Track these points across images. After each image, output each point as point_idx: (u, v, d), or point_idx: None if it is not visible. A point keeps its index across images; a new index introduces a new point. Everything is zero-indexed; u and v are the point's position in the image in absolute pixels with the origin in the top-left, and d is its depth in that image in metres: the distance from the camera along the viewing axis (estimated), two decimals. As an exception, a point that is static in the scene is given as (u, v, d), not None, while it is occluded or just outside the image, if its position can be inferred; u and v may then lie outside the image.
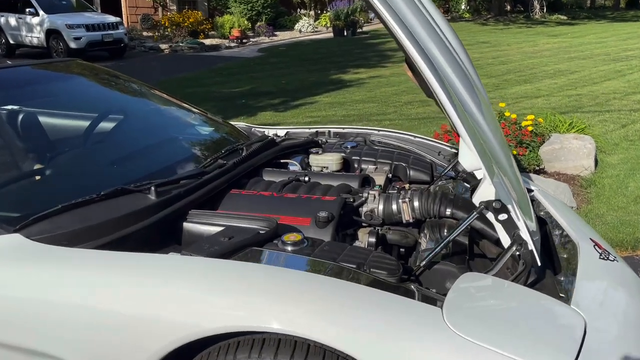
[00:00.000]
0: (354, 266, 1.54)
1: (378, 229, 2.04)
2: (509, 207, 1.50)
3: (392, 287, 1.45)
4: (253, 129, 2.99)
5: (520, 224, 1.51)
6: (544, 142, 4.99)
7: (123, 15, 18.98)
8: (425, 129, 6.66)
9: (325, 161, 2.57)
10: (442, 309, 1.30)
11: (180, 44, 16.65)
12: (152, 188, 1.85)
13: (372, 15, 24.25)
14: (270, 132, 3.02)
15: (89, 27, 14.54)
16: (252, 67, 12.92)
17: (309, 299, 1.31)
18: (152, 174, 2.03)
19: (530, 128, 4.93)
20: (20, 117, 2.25)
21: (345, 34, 19.55)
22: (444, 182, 2.45)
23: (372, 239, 1.94)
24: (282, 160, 2.59)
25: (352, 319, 1.26)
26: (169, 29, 18.31)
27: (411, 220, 2.05)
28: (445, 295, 1.40)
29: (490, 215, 1.61)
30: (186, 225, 1.84)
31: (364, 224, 2.09)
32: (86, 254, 1.52)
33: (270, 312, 1.28)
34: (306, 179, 2.32)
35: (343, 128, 3.04)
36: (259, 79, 11.04)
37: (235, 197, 2.06)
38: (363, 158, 2.65)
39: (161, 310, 1.33)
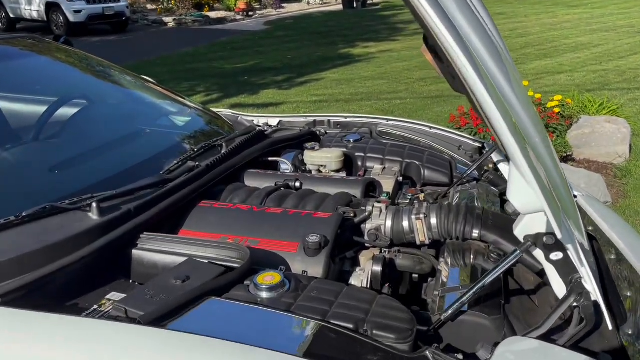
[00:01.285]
0: (351, 326, 1.12)
1: (385, 253, 1.62)
2: (569, 245, 1.06)
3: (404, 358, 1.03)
4: (240, 117, 2.54)
5: (584, 269, 1.07)
6: (571, 125, 4.50)
7: (126, -13, 18.39)
8: (439, 108, 6.17)
9: (323, 159, 2.13)
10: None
11: (185, 17, 16.08)
12: (94, 205, 1.43)
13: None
14: (260, 121, 2.58)
15: (90, 0, 14.02)
16: (257, 41, 12.38)
17: None
18: (99, 183, 1.60)
19: (557, 110, 4.44)
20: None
21: (355, 5, 18.86)
22: (466, 186, 2.00)
23: (377, 268, 1.52)
24: (270, 159, 2.15)
25: None
26: (172, 2, 17.71)
27: (427, 242, 1.62)
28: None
29: (538, 253, 1.17)
30: (136, 253, 1.42)
31: (367, 245, 1.66)
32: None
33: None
34: (297, 184, 1.89)
35: (345, 117, 2.58)
36: (264, 54, 10.53)
37: (204, 211, 1.64)
38: (368, 155, 2.20)
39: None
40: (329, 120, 2.57)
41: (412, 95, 6.93)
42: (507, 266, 1.17)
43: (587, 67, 8.19)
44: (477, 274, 1.45)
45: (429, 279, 1.72)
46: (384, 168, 2.07)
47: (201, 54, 10.80)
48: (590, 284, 1.08)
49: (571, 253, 1.08)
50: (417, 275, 1.69)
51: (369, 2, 19.65)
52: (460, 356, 1.14)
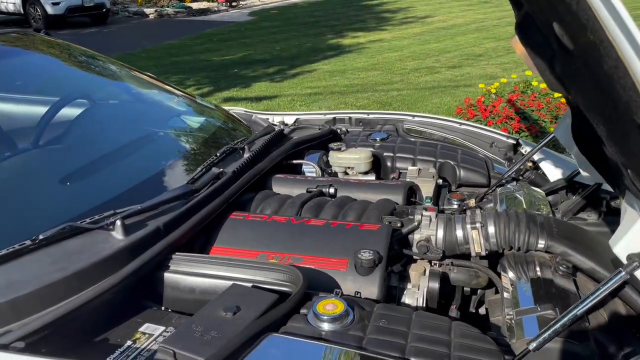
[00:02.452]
0: (438, 361, 0.97)
1: (436, 267, 1.47)
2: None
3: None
4: (254, 116, 2.37)
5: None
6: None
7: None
8: (438, 99, 6.04)
9: (350, 160, 1.98)
10: None
11: (167, 8, 15.72)
12: (118, 223, 1.26)
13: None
14: (275, 119, 2.41)
15: (68, -8, 13.60)
16: (244, 32, 12.12)
17: None
18: (117, 196, 1.43)
19: (564, 101, 4.31)
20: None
21: (340, -5, 18.62)
22: (508, 188, 1.86)
23: (435, 285, 1.37)
24: (295, 161, 1.99)
25: None
26: (153, -8, 17.31)
27: (483, 253, 1.48)
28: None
29: (638, 273, 1.03)
30: (168, 276, 1.26)
31: (415, 257, 1.51)
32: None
33: None
34: (331, 190, 1.73)
35: (367, 114, 2.42)
36: (252, 45, 10.29)
37: (237, 225, 1.48)
38: (398, 154, 2.06)
39: None
40: (350, 118, 2.41)
41: (408, 87, 6.79)
42: (608, 290, 1.03)
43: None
44: (542, 290, 1.31)
45: (478, 291, 1.58)
46: (420, 170, 1.92)
47: (187, 46, 10.53)
48: None
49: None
50: (469, 289, 1.55)
51: (353, -9, 19.41)
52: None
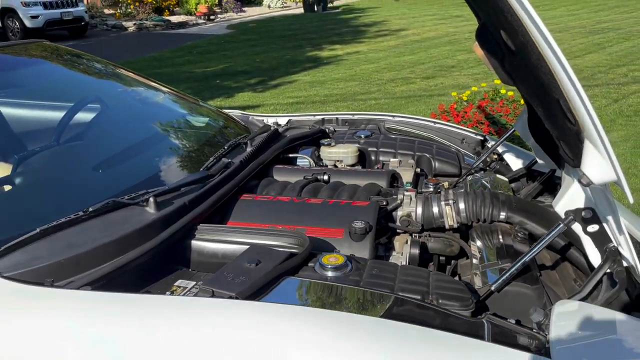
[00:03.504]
0: (419, 297, 1.24)
1: (417, 238, 1.74)
2: (609, 216, 1.21)
3: (471, 326, 1.15)
4: (250, 117, 2.63)
5: (622, 237, 1.22)
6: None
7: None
8: (414, 108, 6.37)
9: (339, 154, 2.25)
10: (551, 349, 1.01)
11: (146, 22, 15.89)
12: (151, 199, 1.51)
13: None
14: (269, 120, 2.67)
15: (47, 5, 13.70)
16: (223, 45, 12.37)
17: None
18: (143, 180, 1.67)
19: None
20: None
21: (315, 9, 19.04)
22: (476, 176, 2.15)
23: (415, 250, 1.64)
24: (291, 155, 2.25)
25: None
26: (131, 6, 17.47)
27: (455, 226, 1.76)
28: (535, 330, 1.13)
29: (576, 226, 1.32)
30: (195, 243, 1.51)
31: (399, 231, 1.78)
32: (80, 297, 1.18)
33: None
34: (325, 177, 2.00)
35: (353, 114, 2.70)
36: (232, 58, 10.55)
37: (248, 204, 1.73)
38: (381, 149, 2.33)
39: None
40: (337, 118, 2.69)
41: (385, 96, 7.12)
42: (550, 239, 1.32)
43: (547, 66, 8.57)
44: (504, 252, 1.59)
45: (452, 261, 1.86)
46: (400, 161, 2.20)
47: (167, 59, 10.73)
48: (629, 250, 1.23)
49: (611, 223, 1.23)
50: (444, 257, 1.83)
51: (329, 5, 19.86)
52: (512, 320, 1.27)
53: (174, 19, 16.91)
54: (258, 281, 1.22)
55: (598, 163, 0.96)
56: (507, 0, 0.84)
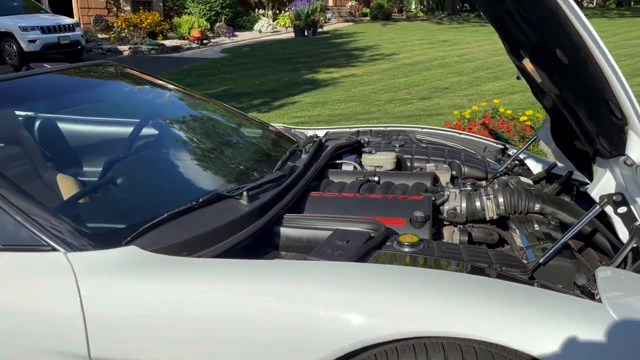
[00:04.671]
0: (486, 265, 1.51)
1: (466, 227, 2.02)
2: (637, 198, 1.51)
3: (530, 283, 1.43)
4: (293, 130, 2.91)
5: (647, 215, 1.51)
6: (542, 136, 5.09)
7: (74, 17, 18.26)
8: (415, 126, 6.69)
9: (379, 160, 2.54)
10: (604, 304, 1.29)
11: (141, 46, 16.17)
12: (245, 194, 1.77)
13: (329, 15, 24.33)
14: (308, 133, 2.95)
15: (44, 29, 13.91)
16: (220, 68, 12.68)
17: (475, 300, 1.27)
18: (225, 179, 1.94)
19: (529, 123, 5.03)
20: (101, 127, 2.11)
21: (306, 34, 19.50)
22: (502, 179, 2.45)
23: (465, 238, 1.92)
24: (337, 161, 2.53)
25: (532, 318, 1.23)
26: (125, 30, 17.77)
27: (495, 217, 2.04)
28: (583, 290, 1.40)
29: (609, 209, 1.61)
30: (284, 230, 1.77)
31: (445, 223, 2.06)
32: (215, 264, 1.43)
33: (442, 315, 1.23)
34: (376, 178, 2.27)
35: (385, 127, 3.00)
36: (231, 80, 10.86)
37: (318, 199, 2.00)
38: (415, 156, 2.62)
39: (322, 318, 1.26)
40: (370, 130, 2.98)
41: (386, 116, 7.45)
42: (589, 218, 1.60)
43: (535, 87, 9.00)
44: (542, 236, 1.87)
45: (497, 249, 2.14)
46: (436, 166, 2.49)
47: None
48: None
49: (638, 205, 1.52)
50: (484, 245, 2.10)
51: (319, 30, 20.36)
52: (560, 286, 1.54)
53: (168, 43, 17.23)
54: (355, 252, 1.49)
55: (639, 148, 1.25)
56: (574, 25, 1.14)
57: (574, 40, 1.18)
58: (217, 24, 19.56)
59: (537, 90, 2.27)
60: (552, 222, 1.95)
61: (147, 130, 2.15)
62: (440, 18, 27.06)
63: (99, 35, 18.45)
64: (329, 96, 8.98)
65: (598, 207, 1.59)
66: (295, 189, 1.94)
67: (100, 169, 1.87)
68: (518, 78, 2.41)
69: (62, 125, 2.08)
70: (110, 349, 1.35)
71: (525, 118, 5.18)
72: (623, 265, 1.59)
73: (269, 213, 1.74)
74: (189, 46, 17.12)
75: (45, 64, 2.34)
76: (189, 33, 18.15)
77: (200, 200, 1.68)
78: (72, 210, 1.62)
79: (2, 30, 13.96)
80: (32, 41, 13.75)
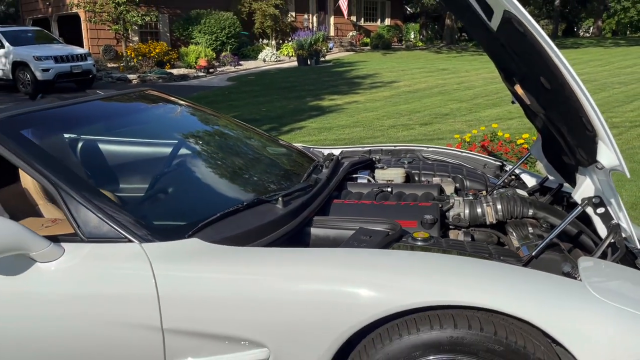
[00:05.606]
0: (487, 255, 1.81)
1: (469, 230, 2.32)
2: (612, 200, 1.81)
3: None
4: (311, 149, 3.23)
5: (622, 214, 1.82)
6: (538, 158, 5.42)
7: (84, 47, 18.83)
8: (418, 150, 7.02)
9: (390, 175, 2.85)
10: (583, 282, 1.58)
11: (149, 74, 16.67)
12: (280, 199, 2.08)
13: (331, 44, 25.00)
14: (325, 152, 3.27)
15: (58, 59, 14.41)
16: (228, 95, 13.12)
17: (486, 277, 1.56)
18: (265, 187, 2.25)
19: (525, 146, 5.37)
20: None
21: (309, 62, 20.08)
22: (500, 191, 2.75)
23: (468, 239, 2.22)
24: (353, 175, 2.84)
25: (524, 289, 1.52)
26: (134, 60, 18.32)
27: (494, 222, 2.34)
28: (568, 276, 1.69)
29: (589, 210, 1.92)
30: (313, 230, 2.07)
31: (450, 227, 2.36)
32: (264, 252, 1.73)
33: (453, 288, 1.53)
34: (389, 189, 2.58)
35: (395, 146, 3.32)
36: (239, 107, 11.26)
37: (340, 205, 2.31)
38: (422, 172, 2.93)
39: (356, 293, 1.55)
40: (381, 149, 3.31)
41: (390, 140, 7.79)
42: (573, 217, 1.90)
43: (532, 113, 9.38)
44: (535, 237, 2.17)
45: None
46: (442, 179, 2.81)
47: (177, 108, 11.39)
48: (626, 223, 1.82)
49: (614, 206, 1.83)
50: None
51: (321, 59, 20.94)
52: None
53: (175, 71, 17.75)
54: (377, 245, 1.79)
55: (607, 154, 1.57)
56: (554, 61, 1.46)
57: (552, 71, 1.50)
58: (223, 54, 20.14)
59: (529, 112, 2.60)
60: (543, 225, 2.25)
61: (193, 147, 2.47)
62: (439, 47, 27.75)
63: (108, 65, 19.01)
64: (334, 122, 9.36)
65: (580, 207, 1.89)
66: (321, 196, 2.25)
67: (152, 183, 2.19)
68: (513, 102, 2.74)
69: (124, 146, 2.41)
70: (179, 321, 1.64)
71: (522, 141, 5.52)
72: (603, 258, 1.89)
73: (301, 215, 2.04)
74: (195, 75, 17.64)
75: (98, 91, 2.67)
76: (196, 62, 18.70)
77: (245, 203, 1.99)
78: (141, 209, 1.93)
79: (17, 59, 14.47)
80: (45, 70, 14.23)
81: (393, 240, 1.89)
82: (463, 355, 1.54)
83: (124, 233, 1.73)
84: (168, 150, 2.40)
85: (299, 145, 3.31)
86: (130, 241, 1.72)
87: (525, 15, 1.47)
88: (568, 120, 1.71)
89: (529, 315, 1.48)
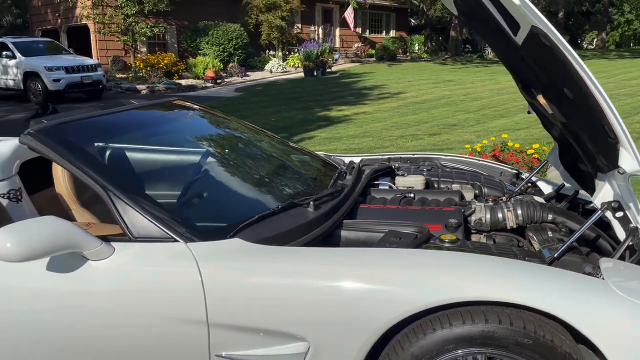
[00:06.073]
0: (512, 255, 1.91)
1: (491, 235, 2.42)
2: (630, 204, 1.91)
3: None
4: (332, 157, 3.34)
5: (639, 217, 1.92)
6: (549, 167, 5.52)
7: (93, 57, 19.07)
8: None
9: (411, 182, 2.95)
10: (606, 280, 1.68)
11: (158, 85, 16.86)
12: (311, 203, 2.18)
13: (337, 56, 25.22)
14: (346, 160, 3.38)
15: (69, 69, 14.61)
16: (237, 106, 13.27)
17: (515, 275, 1.66)
18: (295, 192, 2.36)
19: (536, 156, 5.47)
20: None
21: (315, 74, 20.27)
22: (517, 197, 2.85)
23: (490, 242, 2.31)
24: (375, 182, 2.95)
25: (550, 286, 1.62)
26: (143, 70, 18.53)
27: (514, 226, 2.44)
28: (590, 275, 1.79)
29: (608, 214, 2.01)
30: (344, 232, 2.17)
31: (472, 231, 2.46)
32: (302, 250, 1.84)
33: (490, 285, 1.63)
34: (411, 195, 2.68)
35: (413, 154, 3.43)
36: (248, 117, 11.38)
37: (367, 210, 2.41)
38: (441, 179, 3.04)
39: (392, 289, 1.65)
40: (400, 157, 3.41)
41: (399, 150, 7.90)
42: (593, 220, 2.00)
43: (539, 124, 9.47)
44: (555, 240, 2.26)
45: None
46: (461, 186, 2.91)
47: (187, 118, 11.52)
48: (643, 226, 1.92)
49: (632, 210, 1.92)
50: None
51: (327, 70, 21.13)
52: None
53: (184, 82, 17.95)
54: (408, 246, 1.89)
55: (629, 160, 1.67)
56: (579, 72, 1.58)
57: (577, 82, 1.60)
58: (230, 65, 20.36)
59: (546, 122, 2.70)
60: (562, 230, 2.35)
61: (225, 154, 2.59)
62: (444, 59, 27.94)
63: (117, 75, 19.23)
64: (343, 132, 9.48)
65: (600, 211, 1.99)
66: (349, 201, 2.35)
67: (190, 188, 2.30)
68: (529, 112, 2.85)
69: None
70: (224, 315, 1.74)
71: (532, 151, 5.62)
72: (622, 259, 1.98)
73: (332, 218, 2.14)
74: (203, 85, 17.82)
75: (132, 101, 2.79)
76: (204, 73, 18.92)
77: (279, 207, 2.09)
78: (183, 212, 2.04)
79: (28, 70, 14.69)
80: (56, 80, 14.44)
81: (422, 242, 1.99)
82: (494, 348, 1.63)
83: (170, 233, 1.84)
84: (201, 157, 2.51)
85: (320, 153, 3.42)
86: (175, 241, 1.83)
87: (552, 29, 1.58)
88: (590, 128, 1.81)
89: (556, 310, 1.58)
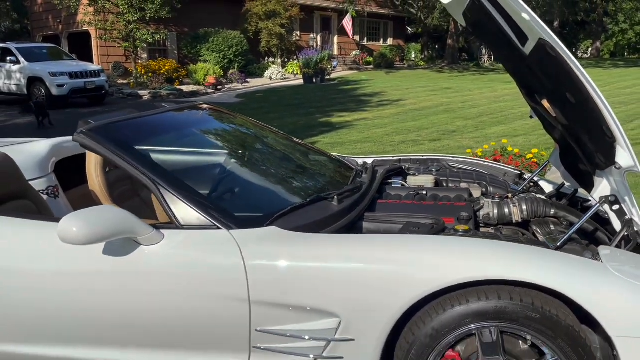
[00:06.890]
0: (523, 240, 2.12)
1: (498, 228, 2.64)
2: (626, 198, 2.13)
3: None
4: (346, 157, 3.56)
5: (635, 210, 2.13)
6: (547, 171, 5.75)
7: (94, 63, 19.27)
8: (429, 164, 7.36)
9: (421, 181, 3.17)
10: (604, 264, 1.89)
11: (160, 90, 17.07)
12: (336, 197, 2.39)
13: (335, 63, 25.52)
14: (359, 161, 3.60)
15: (72, 75, 14.82)
16: (239, 112, 13.45)
17: (524, 257, 1.88)
18: (319, 187, 2.58)
19: (535, 160, 5.71)
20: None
21: (314, 80, 20.53)
22: (521, 196, 3.07)
23: (498, 233, 2.53)
24: (388, 181, 3.16)
25: (556, 267, 1.84)
26: (144, 76, 18.75)
27: (520, 220, 2.66)
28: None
29: (606, 207, 2.23)
30: (365, 224, 2.38)
31: (481, 225, 2.67)
32: (337, 237, 2.05)
33: (502, 266, 1.84)
34: (424, 192, 2.90)
35: (422, 155, 3.65)
36: (251, 123, 11.59)
37: (385, 205, 2.62)
38: (450, 178, 3.26)
39: (415, 271, 1.86)
40: (410, 158, 3.63)
41: (401, 154, 8.12)
42: (592, 213, 2.22)
43: (537, 131, 9.74)
44: (557, 232, 2.48)
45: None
46: (469, 185, 3.13)
47: (191, 124, 11.73)
48: (639, 218, 2.14)
49: (627, 203, 2.14)
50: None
51: (326, 77, 21.40)
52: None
53: (185, 88, 18.17)
54: (428, 232, 2.10)
55: (624, 156, 1.89)
56: (580, 79, 1.80)
57: (579, 87, 1.83)
58: (230, 71, 20.60)
59: (547, 126, 2.93)
60: (564, 223, 2.57)
61: (255, 153, 2.81)
62: (441, 67, 28.28)
63: (118, 81, 19.43)
64: (345, 137, 9.70)
65: (598, 204, 2.21)
66: (369, 196, 2.57)
67: (227, 182, 2.51)
68: (531, 117, 3.07)
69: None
70: (264, 294, 1.94)
71: (531, 156, 5.86)
72: (618, 248, 2.20)
73: (355, 211, 2.35)
74: (205, 91, 18.05)
75: (164, 104, 3.01)
76: (205, 79, 19.14)
77: (308, 200, 2.30)
78: (223, 203, 2.25)
79: (32, 75, 14.88)
80: (60, 86, 14.64)
81: (438, 231, 2.20)
82: (506, 321, 1.85)
83: (213, 222, 2.04)
84: (235, 156, 2.72)
85: (336, 154, 3.63)
86: (219, 228, 2.04)
87: (557, 42, 1.80)
88: (590, 128, 2.03)
89: (561, 287, 1.79)
